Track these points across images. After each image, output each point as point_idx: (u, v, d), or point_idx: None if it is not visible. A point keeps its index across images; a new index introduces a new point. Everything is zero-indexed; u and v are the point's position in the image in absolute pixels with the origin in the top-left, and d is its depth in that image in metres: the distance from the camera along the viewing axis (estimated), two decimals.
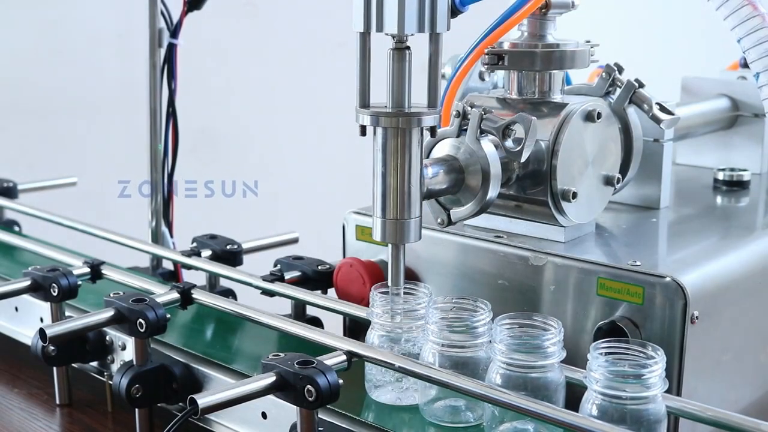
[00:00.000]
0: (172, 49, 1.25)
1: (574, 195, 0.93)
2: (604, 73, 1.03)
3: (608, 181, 0.98)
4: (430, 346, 0.82)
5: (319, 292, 1.04)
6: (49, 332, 0.89)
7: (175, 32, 1.25)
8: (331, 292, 1.06)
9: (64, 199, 1.56)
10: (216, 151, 2.35)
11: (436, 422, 0.84)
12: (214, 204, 2.21)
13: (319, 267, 1.07)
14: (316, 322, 1.06)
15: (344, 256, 1.07)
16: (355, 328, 1.05)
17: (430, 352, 0.83)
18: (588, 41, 0.99)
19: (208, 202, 2.08)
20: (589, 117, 0.94)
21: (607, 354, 0.73)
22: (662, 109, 1.02)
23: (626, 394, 0.72)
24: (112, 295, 0.94)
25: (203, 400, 0.75)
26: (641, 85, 1.02)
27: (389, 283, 0.86)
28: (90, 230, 1.27)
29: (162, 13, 1.25)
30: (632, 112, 1.02)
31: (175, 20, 1.25)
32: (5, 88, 2.17)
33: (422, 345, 0.84)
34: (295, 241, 1.24)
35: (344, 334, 1.05)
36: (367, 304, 0.99)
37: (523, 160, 0.87)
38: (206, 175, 2.21)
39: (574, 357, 0.89)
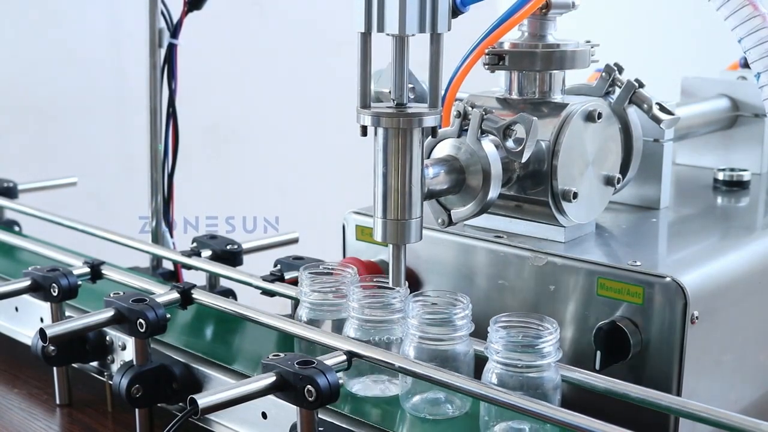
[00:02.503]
0: (172, 49, 1.25)
1: (575, 195, 0.93)
2: (604, 73, 1.03)
3: (608, 181, 0.98)
4: (410, 339, 0.83)
5: None
6: (49, 332, 0.89)
7: (175, 32, 1.25)
8: None
9: (64, 199, 1.56)
10: (216, 151, 2.35)
11: (415, 414, 0.84)
12: (214, 204, 2.21)
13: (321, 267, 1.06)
14: None
15: (344, 257, 1.07)
16: None
17: (410, 346, 0.83)
18: (588, 41, 0.99)
19: (208, 203, 2.08)
20: (590, 117, 0.94)
21: (505, 327, 0.78)
22: (662, 109, 1.02)
23: (522, 363, 0.76)
24: (112, 295, 0.94)
25: (203, 400, 0.75)
26: (641, 85, 1.02)
27: (390, 284, 0.86)
28: (90, 230, 1.27)
29: (162, 13, 1.25)
30: (632, 112, 1.02)
31: (175, 20, 1.25)
32: (5, 88, 2.17)
33: (401, 338, 0.85)
34: (295, 241, 1.24)
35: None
36: None
37: (524, 160, 0.87)
38: (207, 173, 2.21)
39: (574, 357, 0.90)
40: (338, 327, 0.90)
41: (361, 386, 0.88)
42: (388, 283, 0.86)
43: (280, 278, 1.04)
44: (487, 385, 0.77)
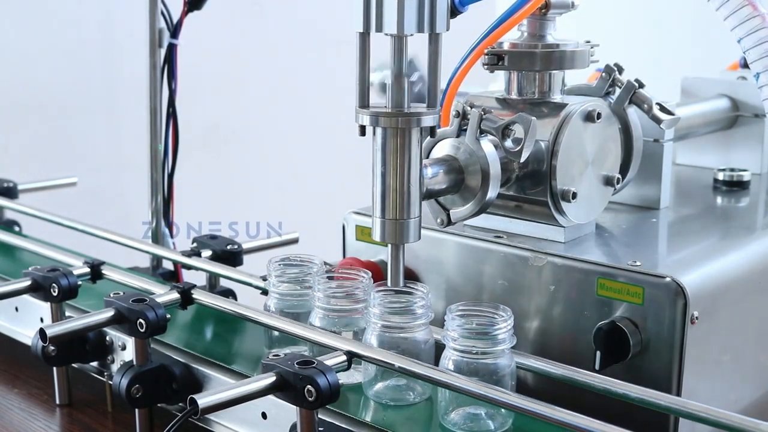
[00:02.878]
0: (172, 49, 1.25)
1: (574, 195, 0.93)
2: (604, 73, 1.03)
3: (608, 181, 0.98)
4: (372, 327, 0.85)
5: None
6: (49, 332, 0.89)
7: (175, 32, 1.25)
8: None
9: (64, 200, 1.56)
10: (216, 151, 2.35)
11: (377, 401, 0.85)
12: (214, 204, 2.20)
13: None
14: None
15: (344, 257, 1.08)
16: None
17: (372, 334, 0.85)
18: (588, 41, 1.00)
19: (208, 203, 2.07)
20: (589, 117, 0.94)
21: (461, 315, 0.80)
22: (662, 109, 1.02)
23: (477, 349, 0.79)
24: (112, 295, 0.94)
25: (203, 400, 0.75)
26: (641, 86, 1.02)
27: (389, 284, 0.86)
28: (90, 230, 1.27)
29: (162, 13, 1.25)
30: (632, 112, 1.02)
31: (175, 20, 1.25)
32: (5, 88, 2.17)
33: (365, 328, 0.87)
34: (295, 241, 1.24)
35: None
36: None
37: (522, 160, 0.87)
38: (206, 173, 2.21)
39: (574, 357, 0.90)
40: (305, 318, 0.93)
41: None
42: (354, 274, 0.90)
43: None
44: (486, 386, 0.77)
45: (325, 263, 1.06)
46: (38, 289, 1.02)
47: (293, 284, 0.95)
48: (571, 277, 0.91)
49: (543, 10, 0.95)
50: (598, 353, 0.87)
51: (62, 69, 2.20)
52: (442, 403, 0.82)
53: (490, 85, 1.13)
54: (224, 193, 2.38)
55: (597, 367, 0.86)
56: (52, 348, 1.00)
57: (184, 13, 1.23)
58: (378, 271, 1.02)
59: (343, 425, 0.82)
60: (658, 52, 2.29)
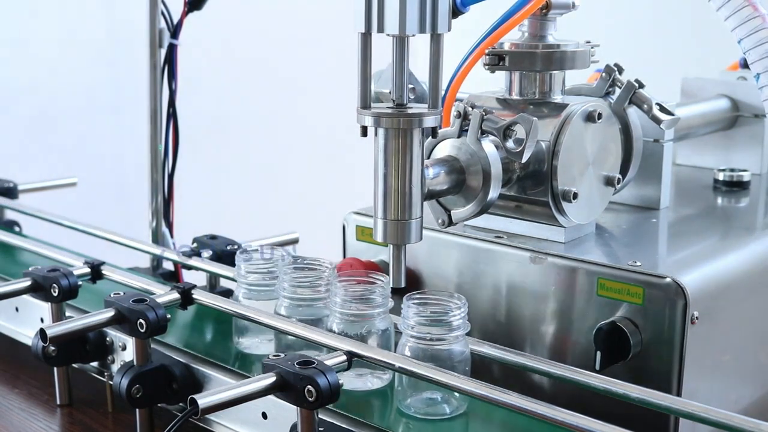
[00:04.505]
0: (172, 49, 1.25)
1: (575, 195, 0.93)
2: (604, 74, 1.03)
3: (608, 181, 0.98)
4: (334, 315, 0.88)
5: None
6: (49, 332, 0.89)
7: (175, 33, 1.25)
8: None
9: (65, 200, 1.56)
10: (217, 150, 2.35)
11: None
12: (215, 204, 2.21)
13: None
14: None
15: (344, 257, 1.08)
16: None
17: (334, 322, 0.88)
18: (588, 42, 1.00)
19: (209, 203, 2.08)
20: (590, 117, 0.94)
21: (417, 303, 0.83)
22: (662, 109, 1.02)
23: (432, 336, 0.82)
24: (112, 295, 0.94)
25: (204, 400, 0.75)
26: (641, 86, 1.02)
27: (391, 284, 0.86)
28: (90, 230, 1.28)
29: (162, 13, 1.25)
30: (632, 112, 1.02)
31: (175, 21, 1.25)
32: (5, 89, 2.17)
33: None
34: (295, 241, 1.24)
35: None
36: None
37: (524, 160, 0.87)
38: (207, 173, 2.21)
39: (574, 357, 0.90)
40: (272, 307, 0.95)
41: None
42: (315, 264, 0.94)
43: None
44: (486, 386, 0.78)
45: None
46: (39, 289, 1.02)
47: (262, 275, 0.98)
48: (571, 278, 0.91)
49: (544, 11, 0.95)
50: (599, 353, 0.87)
51: (63, 69, 2.20)
52: (400, 389, 0.85)
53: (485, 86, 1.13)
54: (225, 192, 2.38)
55: (597, 367, 0.86)
56: (53, 348, 1.00)
57: (185, 14, 1.23)
58: (378, 271, 1.02)
59: (344, 425, 0.82)
60: (658, 52, 2.29)
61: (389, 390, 0.88)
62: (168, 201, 1.29)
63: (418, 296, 0.85)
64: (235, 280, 1.05)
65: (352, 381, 0.88)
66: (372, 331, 0.88)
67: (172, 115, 1.26)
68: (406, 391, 0.84)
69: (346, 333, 0.87)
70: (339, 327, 0.88)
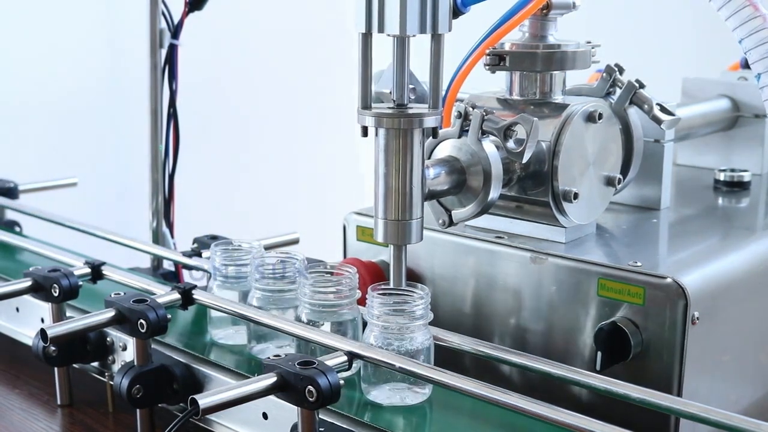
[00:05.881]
0: (173, 49, 1.25)
1: (575, 195, 0.93)
2: (604, 74, 1.03)
3: (609, 181, 0.98)
4: (303, 305, 0.90)
5: None
6: (50, 333, 0.89)
7: (176, 33, 1.25)
8: None
9: (65, 200, 1.56)
10: (217, 150, 2.35)
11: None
12: (215, 204, 2.21)
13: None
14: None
15: (345, 257, 1.08)
16: None
17: (303, 312, 0.90)
18: (589, 42, 1.00)
19: (209, 203, 2.08)
20: (591, 118, 0.95)
21: (382, 294, 0.85)
22: (663, 109, 1.02)
23: (396, 325, 0.84)
24: (113, 295, 0.94)
25: (204, 400, 0.75)
26: (642, 86, 1.02)
27: (391, 284, 0.86)
28: (91, 231, 1.27)
29: (163, 13, 1.25)
30: (633, 112, 1.03)
31: (176, 21, 1.25)
32: (5, 89, 2.17)
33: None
34: (295, 241, 1.24)
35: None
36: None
37: (524, 161, 0.87)
38: (206, 173, 2.21)
39: (575, 358, 0.90)
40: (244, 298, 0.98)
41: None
42: (286, 256, 0.96)
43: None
44: (488, 386, 0.78)
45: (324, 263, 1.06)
46: (39, 289, 1.02)
47: (237, 267, 1.00)
48: (571, 278, 0.91)
49: (544, 11, 0.95)
50: (599, 353, 0.87)
51: (62, 69, 2.20)
52: (364, 377, 0.86)
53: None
54: (224, 192, 2.38)
55: (598, 367, 0.86)
56: (53, 348, 0.99)
57: (185, 14, 1.24)
58: (379, 272, 1.02)
59: (344, 425, 0.82)
60: (658, 52, 2.29)
61: (427, 405, 0.86)
62: (168, 201, 1.29)
63: (382, 287, 0.86)
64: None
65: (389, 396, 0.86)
66: (341, 321, 0.90)
67: (173, 115, 1.26)
68: (370, 379, 0.85)
69: (314, 322, 0.90)
70: (306, 316, 0.90)
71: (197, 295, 0.97)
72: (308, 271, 0.91)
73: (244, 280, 0.99)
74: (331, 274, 0.91)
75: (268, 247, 1.22)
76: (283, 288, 0.95)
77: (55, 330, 0.90)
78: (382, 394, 0.85)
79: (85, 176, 1.71)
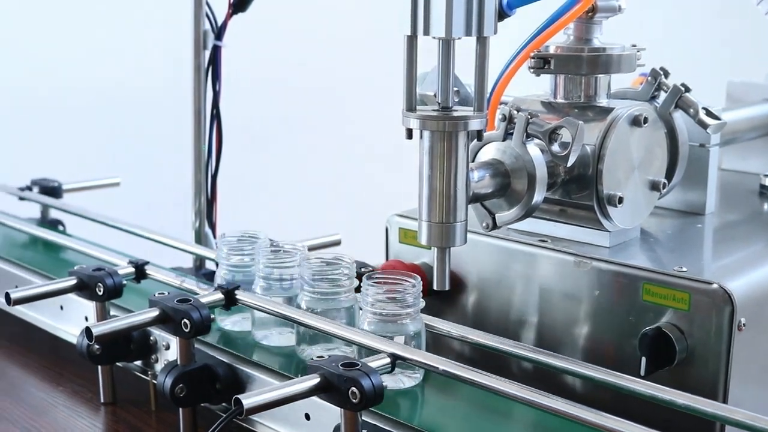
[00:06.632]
0: (216, 51, 1.26)
1: (620, 200, 0.93)
2: (650, 78, 1.02)
3: (654, 186, 0.97)
4: (302, 294, 0.94)
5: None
6: (95, 331, 0.90)
7: (219, 34, 1.26)
8: None
9: (107, 200, 1.58)
10: (259, 151, 2.36)
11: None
12: (258, 205, 2.21)
13: (362, 269, 1.07)
14: None
15: (387, 259, 1.08)
16: None
17: (303, 300, 0.94)
18: (634, 45, 0.99)
19: (252, 204, 2.09)
20: (636, 122, 0.94)
21: (375, 283, 0.88)
22: (708, 113, 1.01)
23: (387, 311, 0.87)
24: (156, 295, 0.94)
25: (248, 400, 0.75)
26: (687, 90, 1.01)
27: (434, 287, 0.86)
28: (134, 230, 1.28)
29: (207, 15, 1.26)
30: (678, 116, 1.02)
31: (219, 22, 1.25)
32: (51, 89, 2.19)
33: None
34: (337, 243, 1.24)
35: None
36: None
37: (569, 164, 0.87)
38: (249, 174, 2.22)
39: (619, 363, 0.89)
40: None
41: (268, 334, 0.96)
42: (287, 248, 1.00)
43: None
44: (527, 389, 0.77)
45: (366, 264, 1.07)
46: (84, 288, 1.03)
47: (242, 257, 1.03)
48: (616, 282, 0.90)
49: (589, 14, 0.95)
50: (644, 359, 0.86)
51: (106, 70, 2.22)
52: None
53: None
54: (268, 193, 2.39)
55: (642, 373, 0.86)
56: (97, 347, 1.00)
57: (229, 15, 1.24)
58: (421, 274, 1.02)
59: (387, 427, 0.82)
60: (703, 56, 2.28)
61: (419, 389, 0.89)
62: (211, 201, 1.29)
63: (376, 276, 0.90)
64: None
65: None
66: (337, 309, 0.93)
67: (216, 116, 1.27)
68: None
69: (313, 309, 0.93)
70: (306, 304, 0.93)
71: (240, 295, 0.98)
72: (307, 261, 0.94)
73: (249, 269, 1.01)
74: (394, 282, 0.90)
75: (309, 249, 1.23)
76: (332, 291, 0.94)
77: (100, 328, 0.91)
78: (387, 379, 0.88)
79: (128, 176, 1.72)
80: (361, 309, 0.90)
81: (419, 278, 0.89)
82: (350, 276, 0.94)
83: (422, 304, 0.89)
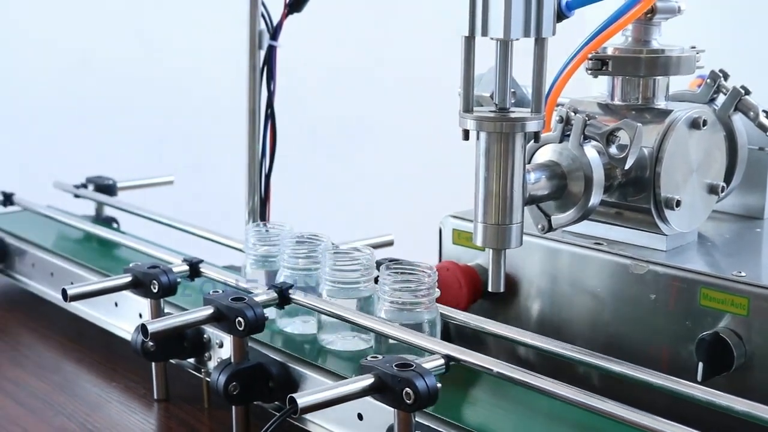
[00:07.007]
0: (271, 51, 1.26)
1: (678, 203, 0.92)
2: (709, 80, 1.01)
3: (712, 189, 0.96)
4: (324, 283, 0.97)
5: None
6: (150, 328, 0.90)
7: (275, 34, 1.26)
8: None
9: (161, 198, 1.59)
10: (313, 151, 2.37)
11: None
12: (311, 205, 2.22)
13: None
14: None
15: (440, 260, 1.07)
16: (451, 332, 1.05)
17: (324, 289, 0.97)
18: (693, 47, 0.98)
19: (304, 203, 2.09)
20: (695, 124, 0.93)
21: (392, 273, 0.92)
22: None
23: (403, 300, 0.90)
24: (211, 293, 0.95)
25: (303, 399, 0.76)
26: (747, 92, 1.00)
27: (489, 288, 0.86)
28: (188, 229, 1.29)
29: (262, 15, 1.26)
30: (737, 119, 1.01)
31: (275, 22, 1.26)
32: (108, 88, 2.22)
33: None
34: (390, 243, 1.24)
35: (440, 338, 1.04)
36: (463, 308, 0.99)
37: (627, 167, 0.86)
38: (305, 173, 2.23)
39: (675, 368, 0.88)
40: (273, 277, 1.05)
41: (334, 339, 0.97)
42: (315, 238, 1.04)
43: (375, 280, 1.04)
44: (578, 390, 0.77)
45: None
46: (139, 285, 1.04)
47: (269, 247, 1.07)
48: (672, 287, 0.89)
49: (649, 15, 0.94)
50: (701, 364, 0.85)
51: (161, 70, 2.24)
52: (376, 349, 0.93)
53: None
54: (320, 193, 2.40)
55: (699, 378, 0.85)
56: (152, 344, 1.01)
57: (284, 16, 1.24)
58: (475, 276, 1.02)
59: (441, 429, 0.82)
60: (763, 58, 2.25)
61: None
62: (264, 201, 1.30)
63: (393, 266, 0.93)
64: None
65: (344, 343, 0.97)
66: (357, 297, 0.96)
67: (270, 116, 1.27)
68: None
69: (337, 296, 0.96)
70: (327, 293, 0.97)
71: (294, 294, 0.98)
72: (328, 252, 0.97)
73: (275, 258, 1.05)
74: (411, 273, 0.93)
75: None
76: (308, 266, 1.01)
77: (155, 326, 0.91)
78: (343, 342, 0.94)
79: (182, 175, 1.74)
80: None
81: (435, 269, 0.91)
82: (369, 266, 0.97)
83: (437, 293, 0.91)
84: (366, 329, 0.93)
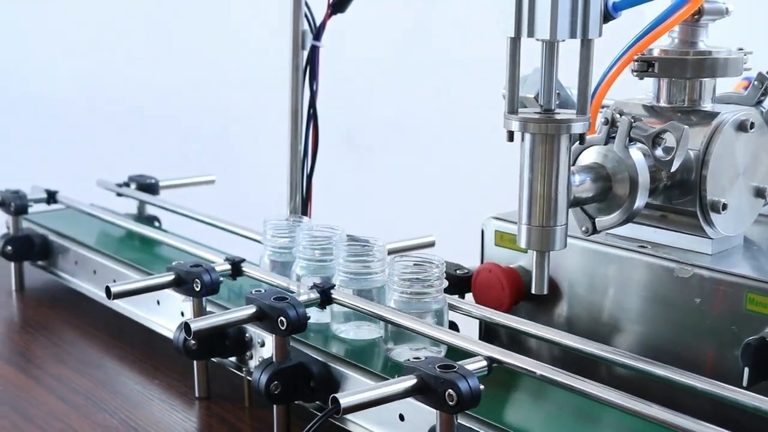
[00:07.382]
0: (314, 51, 1.26)
1: (724, 206, 0.91)
2: (756, 82, 1.00)
3: (759, 192, 0.95)
4: (338, 273, 1.01)
5: (456, 296, 1.04)
6: (193, 327, 0.91)
7: (318, 35, 1.26)
8: (468, 296, 1.06)
9: (203, 197, 1.60)
10: (355, 151, 2.37)
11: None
12: (353, 205, 2.22)
13: (458, 271, 1.06)
14: (452, 327, 1.05)
15: (482, 262, 1.07)
16: (492, 334, 1.05)
17: (338, 279, 1.00)
18: (741, 49, 0.97)
19: (347, 204, 2.09)
20: (742, 127, 0.92)
21: (401, 263, 0.95)
22: None
23: (412, 290, 0.94)
24: (253, 292, 0.95)
25: (345, 400, 0.76)
26: None
27: (533, 290, 0.85)
28: (230, 228, 1.30)
29: (306, 15, 1.26)
30: None
31: (318, 23, 1.26)
32: (150, 88, 2.23)
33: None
34: (431, 244, 1.24)
35: (480, 339, 1.04)
36: (505, 310, 0.99)
37: (673, 169, 0.85)
38: (346, 173, 2.23)
39: (720, 372, 0.87)
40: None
41: (401, 351, 0.96)
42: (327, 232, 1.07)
43: None
44: (622, 394, 0.76)
45: (461, 267, 1.06)
46: (181, 283, 1.04)
47: (285, 239, 1.12)
48: (718, 291, 0.88)
49: (696, 17, 0.93)
50: (746, 369, 0.84)
51: (204, 71, 2.25)
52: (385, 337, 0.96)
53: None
54: (362, 193, 2.40)
55: (745, 384, 0.84)
56: (194, 342, 1.01)
57: (328, 16, 1.24)
58: (518, 278, 1.01)
59: (482, 430, 0.82)
60: None
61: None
62: (306, 201, 1.30)
63: (403, 256, 0.97)
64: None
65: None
66: (369, 288, 1.00)
67: (313, 116, 1.27)
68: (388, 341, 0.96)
69: (352, 286, 0.99)
70: (341, 283, 1.00)
71: (336, 294, 0.98)
72: (344, 244, 1.01)
73: (291, 250, 1.10)
74: (419, 264, 0.96)
75: (402, 250, 1.23)
76: (322, 258, 1.05)
77: (198, 324, 0.92)
78: (404, 353, 0.94)
79: (224, 174, 1.74)
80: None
81: (443, 261, 0.95)
82: (382, 258, 1.01)
83: (445, 284, 0.95)
84: (431, 339, 0.93)
